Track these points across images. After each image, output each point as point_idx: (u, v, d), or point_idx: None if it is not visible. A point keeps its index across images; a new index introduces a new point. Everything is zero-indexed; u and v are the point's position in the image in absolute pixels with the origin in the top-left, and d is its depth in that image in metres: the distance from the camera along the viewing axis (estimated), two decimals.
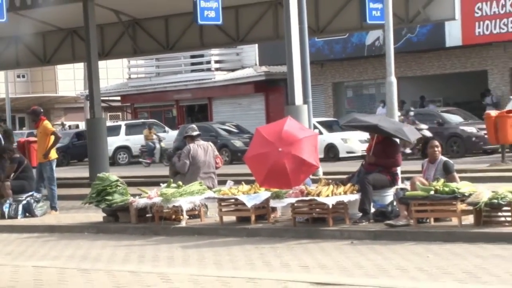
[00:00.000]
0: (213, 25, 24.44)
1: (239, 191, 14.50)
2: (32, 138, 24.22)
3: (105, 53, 31.08)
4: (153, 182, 20.90)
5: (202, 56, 44.63)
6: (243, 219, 14.45)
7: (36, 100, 56.60)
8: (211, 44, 31.00)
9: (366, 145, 17.73)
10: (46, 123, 18.27)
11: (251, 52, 43.28)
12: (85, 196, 16.43)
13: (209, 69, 44.76)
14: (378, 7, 22.32)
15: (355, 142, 30.40)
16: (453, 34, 34.18)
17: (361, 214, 13.50)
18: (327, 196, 13.32)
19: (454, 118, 30.16)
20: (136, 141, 39.02)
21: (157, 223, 14.99)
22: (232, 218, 14.75)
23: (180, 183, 15.19)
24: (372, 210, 13.54)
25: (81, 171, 31.64)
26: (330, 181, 13.96)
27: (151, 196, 15.03)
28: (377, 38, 36.12)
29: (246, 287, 9.16)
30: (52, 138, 17.94)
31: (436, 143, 13.59)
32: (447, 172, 13.24)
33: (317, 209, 13.62)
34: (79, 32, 29.72)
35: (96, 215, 16.40)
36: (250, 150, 14.35)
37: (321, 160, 17.15)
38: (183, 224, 14.70)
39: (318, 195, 13.39)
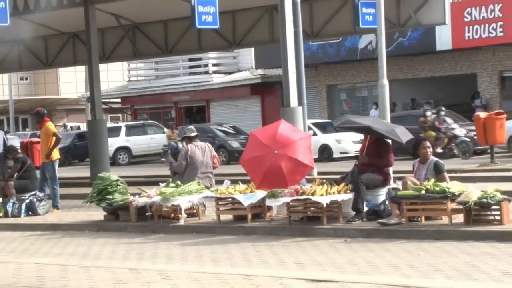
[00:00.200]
0: (210, 29, 24.43)
1: (236, 191, 14.50)
2: (35, 139, 24.17)
3: (106, 57, 31.06)
4: (152, 181, 20.87)
5: (200, 59, 44.60)
6: (240, 217, 14.44)
7: (38, 102, 56.52)
8: (209, 47, 30.99)
9: (359, 146, 17.72)
10: (49, 124, 18.25)
11: (247, 55, 43.27)
12: (87, 195, 16.42)
13: (206, 72, 44.72)
14: (371, 12, 22.32)
15: (348, 143, 30.38)
16: (443, 38, 34.19)
17: (354, 213, 13.50)
18: (322, 195, 13.33)
19: None
20: (136, 142, 38.98)
21: (156, 221, 14.98)
22: (229, 216, 14.74)
23: (178, 182, 15.19)
24: (365, 209, 13.55)
25: (82, 171, 31.61)
26: (324, 180, 13.97)
27: (150, 195, 15.02)
28: (370, 42, 36.12)
29: (243, 284, 9.15)
30: (54, 139, 17.93)
31: (428, 144, 13.61)
32: (437, 172, 13.25)
33: (312, 208, 13.62)
34: (81, 36, 29.70)
35: (97, 214, 16.38)
36: (246, 154, 14.34)
37: (316, 160, 17.12)
38: (181, 222, 14.69)
39: (312, 194, 13.39)
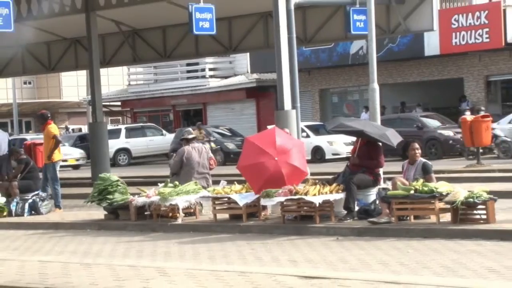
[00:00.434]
0: (207, 35, 24.41)
1: (232, 191, 14.49)
2: (38, 141, 24.14)
3: (106, 61, 31.04)
4: (151, 182, 20.87)
5: (197, 64, 44.58)
6: (236, 216, 14.43)
7: (41, 105, 56.39)
8: (206, 53, 30.98)
9: (350, 148, 17.72)
10: (50, 127, 18.20)
11: (243, 60, 43.25)
12: (88, 195, 16.39)
13: (203, 76, 44.70)
14: (362, 18, 22.32)
15: (340, 144, 30.39)
16: (432, 44, 34.21)
17: (346, 212, 13.51)
18: (314, 195, 13.33)
19: (432, 123, 30.18)
20: (135, 144, 38.93)
21: (155, 220, 14.97)
22: (225, 215, 14.73)
23: (176, 183, 15.18)
24: (356, 208, 13.55)
25: (83, 172, 31.57)
26: (317, 181, 13.97)
27: (149, 195, 15.01)
28: (361, 48, 36.13)
29: (238, 280, 9.14)
30: (53, 141, 17.89)
31: (416, 145, 13.61)
32: (425, 173, 13.26)
33: (305, 207, 13.62)
34: (82, 42, 29.67)
35: (98, 213, 16.36)
36: (244, 160, 14.34)
37: (308, 161, 17.15)
38: (179, 221, 14.68)
39: (305, 194, 13.39)
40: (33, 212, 17.48)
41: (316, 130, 32.30)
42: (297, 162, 14.02)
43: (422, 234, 12.09)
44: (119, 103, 51.17)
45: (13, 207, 17.43)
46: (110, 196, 15.63)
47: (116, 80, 59.80)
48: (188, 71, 45.66)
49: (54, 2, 24.88)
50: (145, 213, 15.31)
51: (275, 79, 21.26)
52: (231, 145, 34.00)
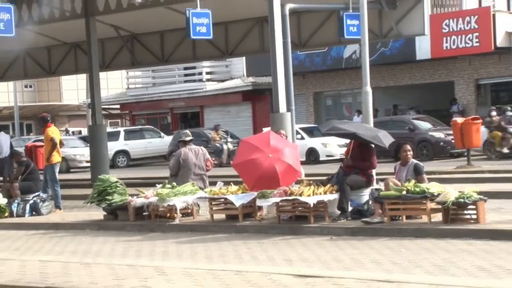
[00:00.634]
0: (204, 39, 24.39)
1: (228, 191, 14.49)
2: (38, 143, 24.12)
3: (106, 65, 31.01)
4: (149, 183, 20.84)
5: (194, 68, 44.58)
6: (232, 217, 14.42)
7: (42, 108, 56.38)
8: (203, 57, 30.95)
9: (344, 149, 17.72)
10: (49, 129, 18.14)
11: (239, 64, 43.27)
12: (87, 196, 16.38)
13: (200, 80, 44.71)
14: (355, 23, 22.35)
15: (334, 146, 30.39)
16: (423, 48, 34.26)
17: (339, 212, 13.51)
18: (309, 195, 13.33)
19: (423, 125, 30.19)
20: (134, 146, 38.89)
21: (153, 220, 14.95)
22: (222, 216, 14.72)
23: (174, 184, 15.17)
24: (350, 208, 13.55)
25: (83, 173, 31.53)
26: (311, 182, 13.97)
27: (147, 196, 14.99)
28: (354, 52, 36.16)
29: (235, 279, 9.13)
30: (50, 144, 17.87)
31: (408, 147, 13.62)
32: (417, 174, 13.26)
33: (300, 208, 13.61)
34: (82, 46, 29.65)
35: (97, 214, 16.34)
36: (239, 158, 14.37)
37: (303, 163, 17.14)
38: (177, 221, 14.66)
39: (300, 195, 13.39)
40: (34, 212, 17.46)
41: (311, 132, 32.30)
42: (291, 161, 14.02)
43: (414, 234, 12.09)
44: (118, 106, 51.13)
45: (14, 208, 17.41)
46: (109, 197, 15.62)
47: (115, 83, 59.79)
48: (186, 75, 45.66)
49: (55, 7, 24.86)
50: (144, 213, 15.29)
51: (271, 83, 21.24)
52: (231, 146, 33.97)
